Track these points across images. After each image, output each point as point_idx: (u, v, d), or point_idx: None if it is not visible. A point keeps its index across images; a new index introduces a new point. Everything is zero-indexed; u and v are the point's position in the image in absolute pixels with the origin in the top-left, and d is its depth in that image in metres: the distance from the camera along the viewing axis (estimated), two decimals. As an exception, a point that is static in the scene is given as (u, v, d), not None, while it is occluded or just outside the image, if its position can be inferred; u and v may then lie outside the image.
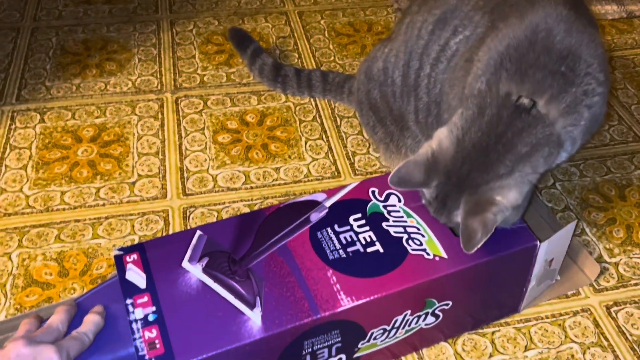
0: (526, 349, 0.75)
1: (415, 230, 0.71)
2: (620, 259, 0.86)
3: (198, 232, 0.69)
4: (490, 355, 0.74)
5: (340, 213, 0.73)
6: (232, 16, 1.31)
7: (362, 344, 0.68)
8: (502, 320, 0.78)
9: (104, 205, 0.89)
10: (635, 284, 0.83)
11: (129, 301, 0.62)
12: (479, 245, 0.64)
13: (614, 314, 0.79)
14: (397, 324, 0.68)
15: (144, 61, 1.17)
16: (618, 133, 1.07)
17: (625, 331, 0.77)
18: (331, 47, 1.24)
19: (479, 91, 0.68)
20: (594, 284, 0.82)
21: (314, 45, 1.24)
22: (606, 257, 0.86)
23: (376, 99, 0.90)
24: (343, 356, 0.68)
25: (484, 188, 0.65)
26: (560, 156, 0.68)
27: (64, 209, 0.88)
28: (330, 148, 1.01)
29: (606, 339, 0.76)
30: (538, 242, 0.70)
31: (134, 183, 0.93)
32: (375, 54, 0.90)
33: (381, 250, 0.69)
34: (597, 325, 0.78)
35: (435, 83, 0.80)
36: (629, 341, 0.76)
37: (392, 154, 0.93)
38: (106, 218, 0.87)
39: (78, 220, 0.87)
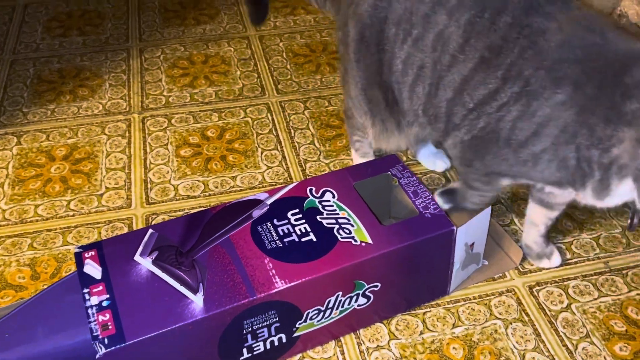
0: (454, 326, 0.83)
1: (345, 221, 0.80)
2: (545, 245, 0.94)
3: (150, 230, 0.77)
4: (421, 333, 0.82)
5: (280, 209, 0.81)
6: (198, 42, 1.41)
7: (300, 323, 0.76)
8: (433, 302, 0.86)
9: (73, 215, 0.98)
10: (557, 267, 0.91)
11: (85, 290, 0.70)
12: None
13: (535, 293, 0.87)
14: (330, 305, 0.76)
15: (114, 86, 1.26)
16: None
17: (544, 307, 0.85)
18: (288, 66, 1.34)
19: None
20: (519, 267, 0.91)
21: (272, 65, 1.34)
22: (532, 244, 0.94)
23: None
24: (283, 335, 0.76)
25: None
26: None
27: (37, 220, 0.97)
28: (284, 157, 1.10)
29: (527, 314, 0.84)
30: (455, 227, 0.79)
31: (101, 195, 1.01)
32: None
33: (314, 240, 0.77)
34: (519, 303, 0.86)
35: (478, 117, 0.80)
36: (547, 316, 0.84)
37: None
38: (75, 227, 0.96)
39: (50, 230, 0.95)
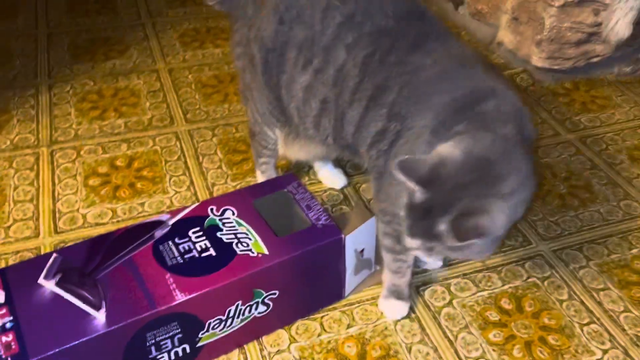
0: (348, 326, 0.90)
1: (244, 235, 0.86)
2: (431, 249, 1.04)
3: (54, 255, 0.81)
4: (319, 335, 0.89)
5: (181, 228, 0.87)
6: (107, 76, 1.45)
7: (202, 333, 0.81)
8: (331, 306, 0.93)
9: (-21, 248, 0.99)
10: (440, 268, 1.01)
11: (-14, 315, 0.73)
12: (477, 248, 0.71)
13: (421, 292, 0.96)
14: (231, 314, 0.82)
15: (23, 121, 1.28)
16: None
17: (429, 304, 0.94)
18: (197, 97, 1.40)
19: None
20: (408, 270, 1.00)
21: (181, 96, 1.40)
22: (420, 249, 1.04)
23: None
24: (186, 346, 0.81)
25: (483, 199, 0.70)
26: None
27: (-60, 255, 0.97)
28: (192, 182, 1.16)
29: (414, 312, 0.93)
30: (343, 235, 0.87)
31: (9, 227, 1.03)
32: None
33: (214, 254, 0.83)
34: (408, 302, 0.95)
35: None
36: (431, 311, 0.93)
37: None
38: (-19, 259, 0.97)
39: (-46, 264, 0.96)
